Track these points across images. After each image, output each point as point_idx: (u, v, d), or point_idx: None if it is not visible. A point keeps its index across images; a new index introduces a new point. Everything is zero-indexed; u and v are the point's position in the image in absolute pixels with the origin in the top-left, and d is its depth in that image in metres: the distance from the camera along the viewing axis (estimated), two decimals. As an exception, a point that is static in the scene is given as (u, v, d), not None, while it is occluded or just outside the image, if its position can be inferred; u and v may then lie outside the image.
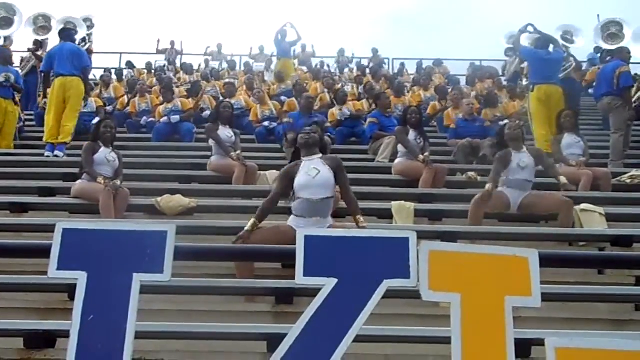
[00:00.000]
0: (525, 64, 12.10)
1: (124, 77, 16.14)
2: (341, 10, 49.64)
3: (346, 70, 19.01)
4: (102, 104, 11.65)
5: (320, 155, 5.38)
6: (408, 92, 13.79)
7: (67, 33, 10.34)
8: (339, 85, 13.74)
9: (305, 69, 18.36)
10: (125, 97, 12.77)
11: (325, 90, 13.19)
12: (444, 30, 46.96)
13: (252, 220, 5.05)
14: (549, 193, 6.57)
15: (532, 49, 10.09)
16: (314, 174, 5.15)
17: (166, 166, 8.75)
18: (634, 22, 13.16)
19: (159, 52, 20.24)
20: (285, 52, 17.45)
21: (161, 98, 11.81)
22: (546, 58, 9.65)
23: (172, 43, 20.41)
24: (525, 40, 10.55)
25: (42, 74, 10.63)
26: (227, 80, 14.31)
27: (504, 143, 6.70)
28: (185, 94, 12.96)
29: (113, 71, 16.41)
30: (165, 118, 10.89)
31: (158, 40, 20.84)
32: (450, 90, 12.16)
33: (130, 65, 17.70)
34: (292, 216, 5.21)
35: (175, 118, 10.79)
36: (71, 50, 9.88)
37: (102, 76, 14.81)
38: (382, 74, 16.32)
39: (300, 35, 17.67)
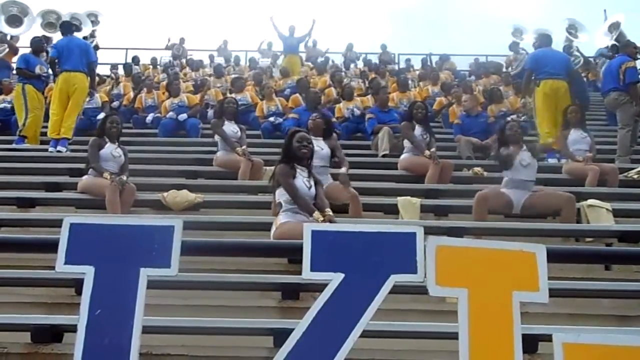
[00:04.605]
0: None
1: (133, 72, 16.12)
2: (345, 6, 49.58)
3: (352, 66, 18.91)
4: (107, 99, 11.67)
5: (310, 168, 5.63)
6: (415, 87, 13.75)
7: (70, 27, 10.31)
8: (346, 81, 13.72)
9: (311, 64, 18.28)
10: (131, 92, 12.80)
11: (332, 85, 13.16)
12: (447, 25, 46.89)
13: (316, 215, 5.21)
14: (550, 190, 6.54)
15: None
16: (308, 185, 5.42)
17: (172, 161, 8.77)
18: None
19: (167, 48, 20.19)
20: (292, 48, 17.31)
21: (167, 93, 11.83)
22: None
23: (182, 40, 20.35)
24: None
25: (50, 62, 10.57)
26: (235, 75, 14.28)
27: (505, 141, 6.67)
28: (192, 89, 12.97)
29: (120, 67, 16.41)
30: (171, 113, 10.91)
31: (168, 39, 20.82)
32: (455, 85, 12.20)
33: (136, 60, 17.66)
34: (290, 213, 5.28)
35: (183, 116, 10.79)
36: (79, 46, 9.89)
37: (112, 72, 14.90)
38: (386, 70, 16.30)
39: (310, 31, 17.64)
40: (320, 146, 5.78)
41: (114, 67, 16.74)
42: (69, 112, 9.60)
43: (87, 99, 10.35)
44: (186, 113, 10.88)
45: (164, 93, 12.16)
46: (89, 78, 9.87)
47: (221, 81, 14.41)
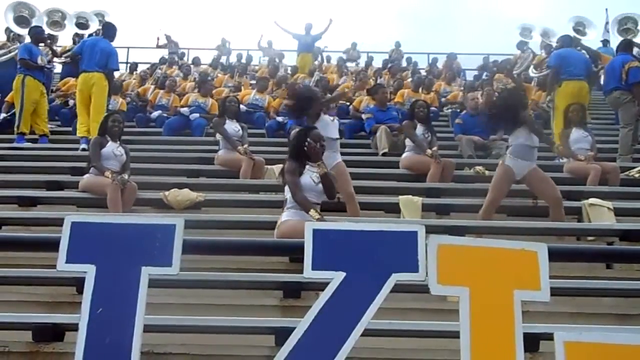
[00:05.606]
0: None
1: (137, 71, 16.10)
2: (353, 6, 49.55)
3: (353, 64, 18.78)
4: (124, 108, 11.52)
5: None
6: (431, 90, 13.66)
7: (109, 30, 10.21)
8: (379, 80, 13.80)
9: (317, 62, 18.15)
10: (151, 87, 12.78)
11: (352, 82, 13.18)
12: (449, 24, 46.88)
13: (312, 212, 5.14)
14: (549, 182, 6.50)
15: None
16: (316, 180, 5.35)
17: (174, 160, 8.77)
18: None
19: (159, 47, 20.14)
20: (307, 46, 17.16)
21: (194, 88, 11.87)
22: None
23: (168, 37, 20.15)
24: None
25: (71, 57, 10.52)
26: (261, 76, 14.12)
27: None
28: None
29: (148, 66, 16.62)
30: (185, 109, 10.83)
31: (157, 38, 20.77)
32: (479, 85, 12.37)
33: (162, 60, 17.67)
34: (292, 210, 5.27)
35: (195, 116, 10.69)
36: (103, 49, 9.72)
37: (140, 73, 15.03)
38: (396, 69, 16.33)
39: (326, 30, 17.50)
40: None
41: (135, 66, 16.74)
42: (93, 115, 9.42)
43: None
44: (199, 114, 10.72)
45: (174, 91, 12.16)
46: (107, 79, 9.73)
47: (232, 81, 14.38)
